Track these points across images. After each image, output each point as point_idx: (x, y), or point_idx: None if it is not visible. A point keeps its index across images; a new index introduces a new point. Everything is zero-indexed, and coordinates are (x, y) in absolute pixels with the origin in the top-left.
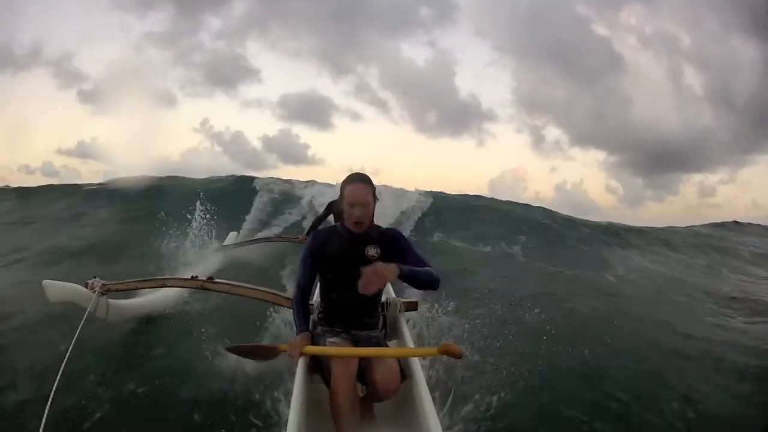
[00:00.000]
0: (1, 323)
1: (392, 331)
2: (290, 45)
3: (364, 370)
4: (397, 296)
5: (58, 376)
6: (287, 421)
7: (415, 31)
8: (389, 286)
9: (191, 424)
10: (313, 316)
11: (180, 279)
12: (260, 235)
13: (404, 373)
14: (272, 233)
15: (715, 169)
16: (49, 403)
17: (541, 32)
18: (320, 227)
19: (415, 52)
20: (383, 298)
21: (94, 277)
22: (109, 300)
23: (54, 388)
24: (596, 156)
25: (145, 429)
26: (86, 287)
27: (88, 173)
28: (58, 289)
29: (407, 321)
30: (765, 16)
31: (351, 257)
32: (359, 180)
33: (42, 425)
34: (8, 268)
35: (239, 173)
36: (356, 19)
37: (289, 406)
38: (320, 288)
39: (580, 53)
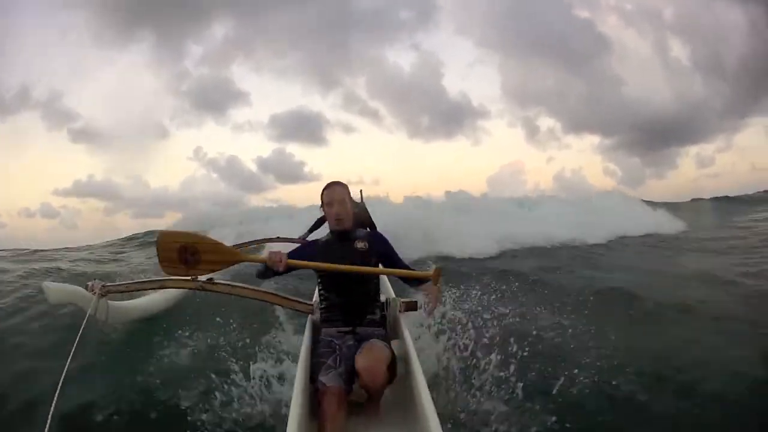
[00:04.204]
0: (3, 325)
1: (393, 331)
2: (275, 64)
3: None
4: (397, 296)
5: (62, 378)
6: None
7: (398, 36)
8: (389, 286)
9: (192, 424)
10: (315, 317)
11: (179, 280)
12: (259, 236)
13: (395, 367)
14: None
15: (711, 139)
16: (53, 405)
17: (523, 22)
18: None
19: (400, 58)
20: (383, 298)
21: (94, 279)
22: (109, 302)
23: (58, 390)
24: (591, 141)
25: (147, 429)
26: (86, 289)
27: (89, 211)
28: (58, 291)
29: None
30: None
31: (342, 252)
32: (334, 183)
33: (47, 426)
34: None
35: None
36: (338, 31)
37: (289, 406)
38: (319, 290)
39: (564, 39)
